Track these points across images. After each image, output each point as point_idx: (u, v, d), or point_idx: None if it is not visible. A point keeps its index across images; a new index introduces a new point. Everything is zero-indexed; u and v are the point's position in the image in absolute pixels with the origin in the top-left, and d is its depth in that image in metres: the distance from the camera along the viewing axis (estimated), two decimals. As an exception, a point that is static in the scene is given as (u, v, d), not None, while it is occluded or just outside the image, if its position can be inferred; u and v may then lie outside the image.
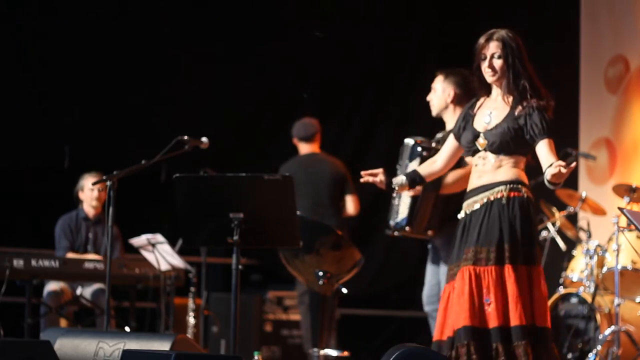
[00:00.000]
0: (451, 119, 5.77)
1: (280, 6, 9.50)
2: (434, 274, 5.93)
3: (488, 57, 4.78)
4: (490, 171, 4.78)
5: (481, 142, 4.79)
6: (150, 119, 9.00)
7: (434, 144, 5.65)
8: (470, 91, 5.62)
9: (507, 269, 4.65)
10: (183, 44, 9.18)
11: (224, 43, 9.34)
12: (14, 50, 8.84)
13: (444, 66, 6.11)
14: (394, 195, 5.68)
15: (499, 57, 4.77)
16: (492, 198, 4.73)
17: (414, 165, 5.53)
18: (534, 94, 4.73)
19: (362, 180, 5.09)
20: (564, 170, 4.42)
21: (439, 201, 5.61)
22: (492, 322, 4.61)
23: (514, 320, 4.60)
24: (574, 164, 4.47)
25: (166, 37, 9.13)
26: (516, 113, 4.74)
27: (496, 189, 4.74)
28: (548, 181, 4.53)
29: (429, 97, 5.92)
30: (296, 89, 9.35)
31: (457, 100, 5.81)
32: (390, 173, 5.26)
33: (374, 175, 5.06)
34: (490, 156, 4.78)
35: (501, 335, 4.59)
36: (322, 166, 7.80)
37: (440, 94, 5.86)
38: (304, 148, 7.90)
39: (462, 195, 5.21)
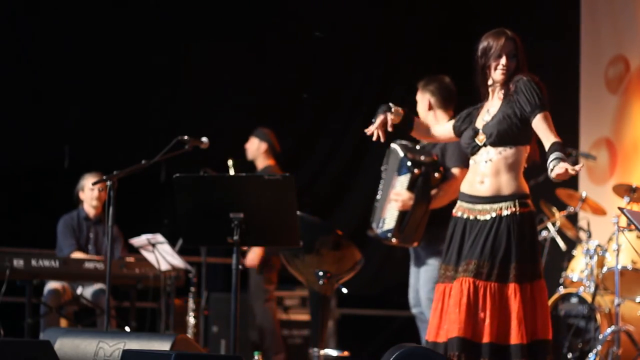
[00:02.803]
0: (434, 124, 5.86)
1: (281, 6, 9.49)
2: (417, 278, 5.94)
3: (504, 56, 4.73)
4: (492, 174, 4.71)
5: (480, 137, 4.77)
6: (150, 119, 9.00)
7: (422, 157, 5.65)
8: (445, 93, 5.84)
9: (511, 287, 4.62)
10: (183, 44, 9.18)
11: (224, 43, 9.34)
12: (13, 51, 8.84)
13: (443, 66, 6.14)
14: (377, 198, 5.77)
15: (514, 57, 4.74)
16: (502, 213, 4.68)
17: (403, 180, 5.62)
18: None
19: (368, 132, 4.95)
20: (571, 172, 4.39)
21: (426, 215, 5.63)
22: (486, 337, 4.59)
23: (515, 339, 4.58)
24: (580, 166, 4.43)
25: (166, 37, 9.12)
26: (509, 99, 4.73)
27: (506, 204, 4.68)
28: (551, 177, 4.49)
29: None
30: (296, 89, 9.35)
31: (434, 106, 5.91)
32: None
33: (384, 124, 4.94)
34: (491, 152, 4.72)
35: (491, 351, 4.58)
36: None
37: (420, 104, 5.98)
38: (269, 161, 7.86)
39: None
